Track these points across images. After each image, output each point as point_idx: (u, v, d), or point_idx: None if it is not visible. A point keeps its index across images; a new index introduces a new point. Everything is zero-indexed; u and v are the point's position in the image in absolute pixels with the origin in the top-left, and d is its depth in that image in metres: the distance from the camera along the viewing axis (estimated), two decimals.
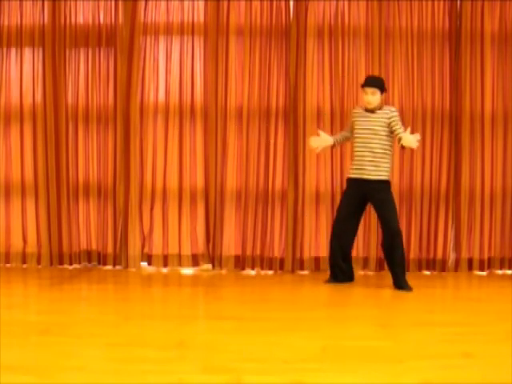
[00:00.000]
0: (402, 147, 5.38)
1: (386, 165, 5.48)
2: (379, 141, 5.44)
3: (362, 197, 5.57)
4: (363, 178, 5.50)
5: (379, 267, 6.29)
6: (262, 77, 6.26)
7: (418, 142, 5.26)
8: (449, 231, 6.36)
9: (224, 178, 6.29)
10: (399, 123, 5.42)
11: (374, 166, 5.45)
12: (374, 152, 5.45)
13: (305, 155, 6.25)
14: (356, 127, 5.57)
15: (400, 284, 5.49)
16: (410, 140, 5.21)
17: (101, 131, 6.31)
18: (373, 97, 5.46)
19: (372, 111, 5.50)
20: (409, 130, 5.29)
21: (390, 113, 5.44)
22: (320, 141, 5.70)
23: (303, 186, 6.26)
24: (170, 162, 6.31)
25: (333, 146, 5.80)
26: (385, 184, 5.49)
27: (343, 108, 6.27)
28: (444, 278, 6.02)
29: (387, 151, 5.49)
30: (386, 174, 5.48)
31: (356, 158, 5.56)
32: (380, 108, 5.50)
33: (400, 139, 5.32)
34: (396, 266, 5.49)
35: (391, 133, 5.45)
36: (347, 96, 6.28)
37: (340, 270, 5.72)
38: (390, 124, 5.42)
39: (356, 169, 5.55)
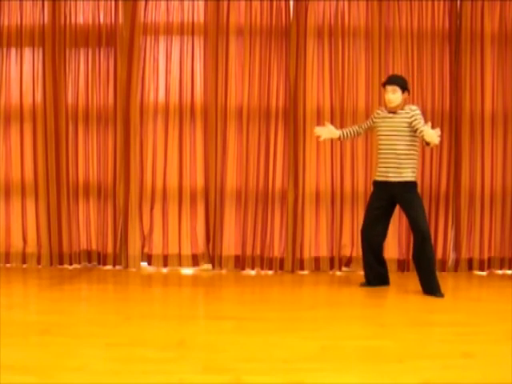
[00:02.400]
0: (427, 144, 5.17)
1: (410, 166, 5.34)
2: (403, 142, 5.31)
3: (388, 199, 5.46)
4: (388, 181, 5.38)
5: None
6: (262, 77, 6.26)
7: (440, 136, 5.11)
8: (449, 231, 6.36)
9: (224, 178, 6.29)
10: (421, 121, 5.24)
11: (399, 167, 5.33)
12: (397, 154, 5.32)
13: (305, 155, 6.25)
14: (379, 129, 5.47)
15: (429, 289, 5.33)
16: (432, 135, 5.02)
17: (101, 131, 6.31)
18: (393, 95, 5.34)
19: (394, 112, 5.38)
20: (429, 124, 5.12)
21: (411, 112, 5.29)
22: (325, 131, 5.61)
23: (303, 186, 6.27)
24: (170, 162, 6.32)
25: (338, 139, 5.70)
26: (410, 185, 5.36)
27: (343, 108, 6.27)
28: (444, 277, 6.01)
29: (411, 152, 5.34)
30: (411, 175, 5.35)
31: (380, 161, 5.45)
32: (402, 108, 5.37)
33: (423, 136, 5.13)
34: (423, 270, 5.33)
35: (414, 132, 5.29)
36: (347, 96, 6.28)
37: (373, 273, 5.63)
38: (411, 123, 5.27)
39: (381, 171, 5.44)
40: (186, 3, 6.25)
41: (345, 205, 6.32)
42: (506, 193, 6.36)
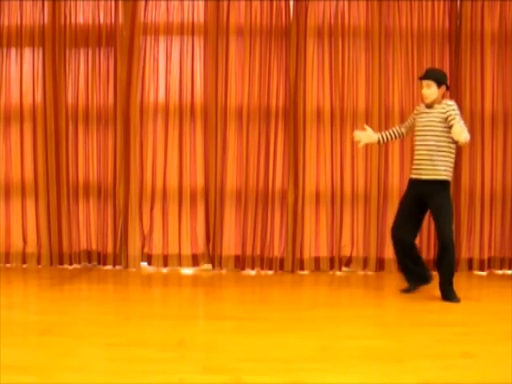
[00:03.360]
0: (456, 142, 4.95)
1: (443, 164, 5.08)
2: (436, 137, 5.06)
3: (419, 199, 5.22)
4: (420, 179, 5.16)
5: (379, 267, 6.30)
6: (262, 77, 6.26)
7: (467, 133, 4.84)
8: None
9: (224, 178, 6.29)
10: (456, 117, 4.98)
11: (431, 165, 5.09)
12: (430, 150, 5.08)
13: (305, 155, 6.25)
14: (416, 124, 5.25)
15: (445, 295, 5.18)
16: (459, 132, 4.81)
17: (101, 131, 6.31)
18: (428, 90, 5.12)
19: (431, 107, 5.15)
20: (461, 121, 4.93)
21: (447, 107, 5.04)
22: (364, 136, 5.41)
23: (303, 186, 6.26)
24: (170, 162, 6.32)
25: (378, 143, 5.49)
26: (442, 185, 5.10)
27: (343, 108, 6.27)
28: None
29: (445, 149, 5.08)
30: (443, 173, 5.09)
31: (414, 157, 5.24)
32: (439, 103, 5.13)
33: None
34: (442, 277, 5.19)
35: (450, 128, 5.02)
36: (347, 96, 6.28)
37: (411, 273, 5.41)
38: (447, 119, 5.02)
39: (414, 169, 5.23)
40: (185, 3, 6.25)
41: (345, 205, 6.32)
42: (506, 193, 6.36)
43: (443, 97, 5.27)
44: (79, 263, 6.38)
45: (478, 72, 6.27)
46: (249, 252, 6.30)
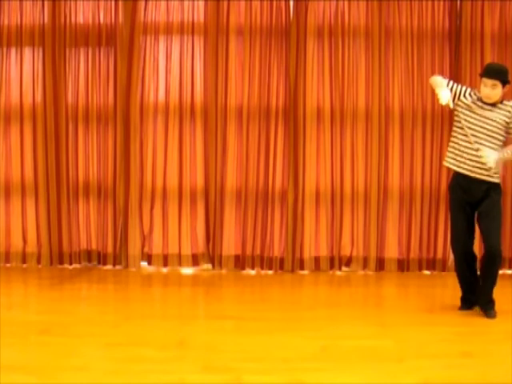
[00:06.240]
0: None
1: (497, 166, 4.63)
2: (495, 140, 4.59)
3: (468, 201, 4.71)
4: (471, 177, 4.64)
5: (379, 267, 6.29)
6: (262, 77, 6.25)
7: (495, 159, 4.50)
8: (449, 231, 6.33)
9: (224, 178, 6.29)
10: None
11: (482, 167, 4.60)
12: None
13: (305, 155, 6.25)
14: (464, 117, 4.69)
15: (484, 307, 4.75)
16: (487, 155, 4.50)
17: (101, 131, 6.31)
18: (493, 91, 4.57)
19: (491, 104, 4.63)
20: None
21: None
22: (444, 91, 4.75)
23: (303, 185, 6.26)
24: (170, 162, 6.31)
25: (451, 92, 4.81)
26: (494, 188, 4.66)
27: (343, 108, 6.26)
28: (444, 277, 6.01)
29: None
30: (497, 175, 4.64)
31: (464, 150, 4.67)
32: (501, 102, 4.64)
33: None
34: (485, 284, 4.72)
35: (507, 133, 4.63)
36: (347, 96, 6.27)
37: (473, 292, 4.88)
38: (508, 123, 4.60)
39: (464, 163, 4.66)
40: (185, 3, 6.25)
41: (345, 205, 6.32)
42: (506, 193, 6.34)
43: (504, 95, 4.75)
44: (79, 263, 6.38)
45: (478, 72, 6.24)
46: (249, 252, 6.30)
